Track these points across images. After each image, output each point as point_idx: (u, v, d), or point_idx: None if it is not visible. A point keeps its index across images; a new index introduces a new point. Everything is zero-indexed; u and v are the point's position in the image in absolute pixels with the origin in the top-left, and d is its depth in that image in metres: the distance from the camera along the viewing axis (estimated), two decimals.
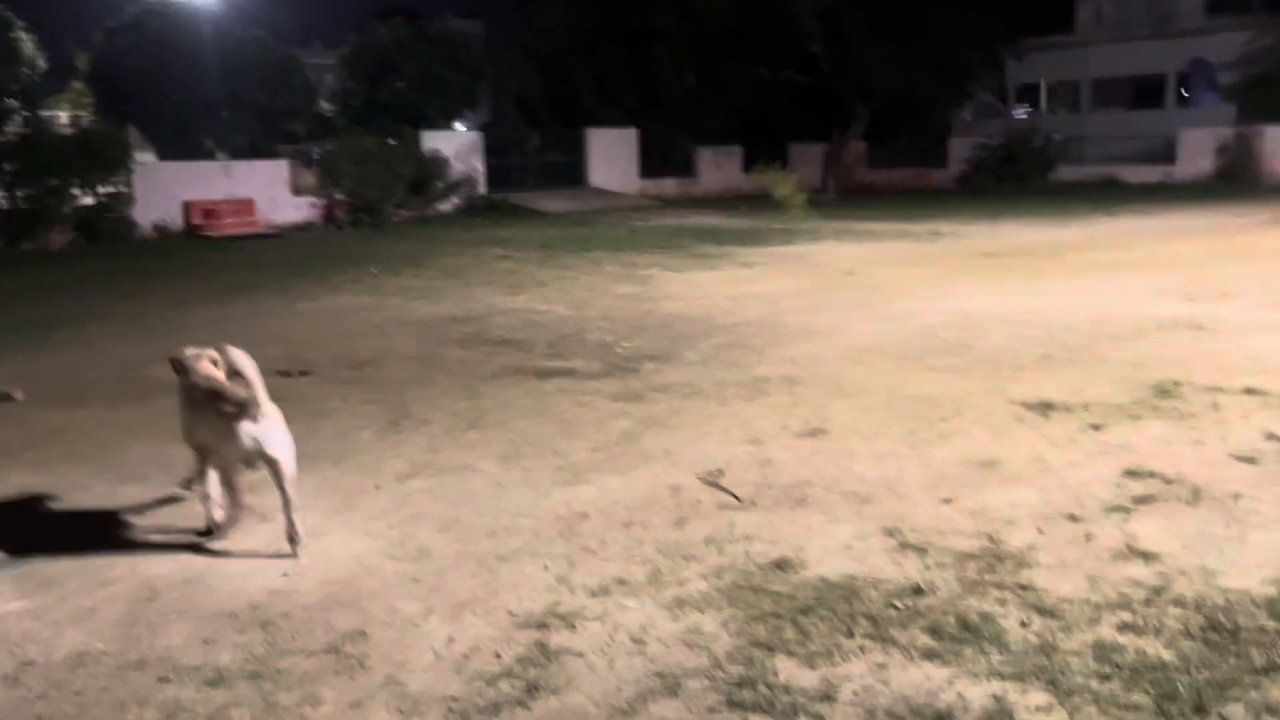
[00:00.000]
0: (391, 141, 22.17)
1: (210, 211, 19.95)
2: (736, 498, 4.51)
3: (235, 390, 4.18)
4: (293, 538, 3.96)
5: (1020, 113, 41.36)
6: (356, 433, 5.81)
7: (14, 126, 19.59)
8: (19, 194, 17.69)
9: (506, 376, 7.21)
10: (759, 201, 25.40)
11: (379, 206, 21.28)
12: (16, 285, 13.27)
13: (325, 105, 24.87)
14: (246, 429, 4.02)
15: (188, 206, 20.02)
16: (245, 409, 4.05)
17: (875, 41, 26.12)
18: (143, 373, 7.52)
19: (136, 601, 3.57)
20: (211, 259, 15.94)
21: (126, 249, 17.66)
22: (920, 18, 26.34)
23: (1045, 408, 5.85)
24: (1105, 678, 2.88)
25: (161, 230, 19.36)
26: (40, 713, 2.83)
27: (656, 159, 27.34)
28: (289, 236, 19.84)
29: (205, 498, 4.28)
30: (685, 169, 28.33)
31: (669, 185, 27.59)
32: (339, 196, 21.54)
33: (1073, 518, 4.15)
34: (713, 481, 4.73)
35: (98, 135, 19.44)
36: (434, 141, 23.04)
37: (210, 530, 4.20)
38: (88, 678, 3.03)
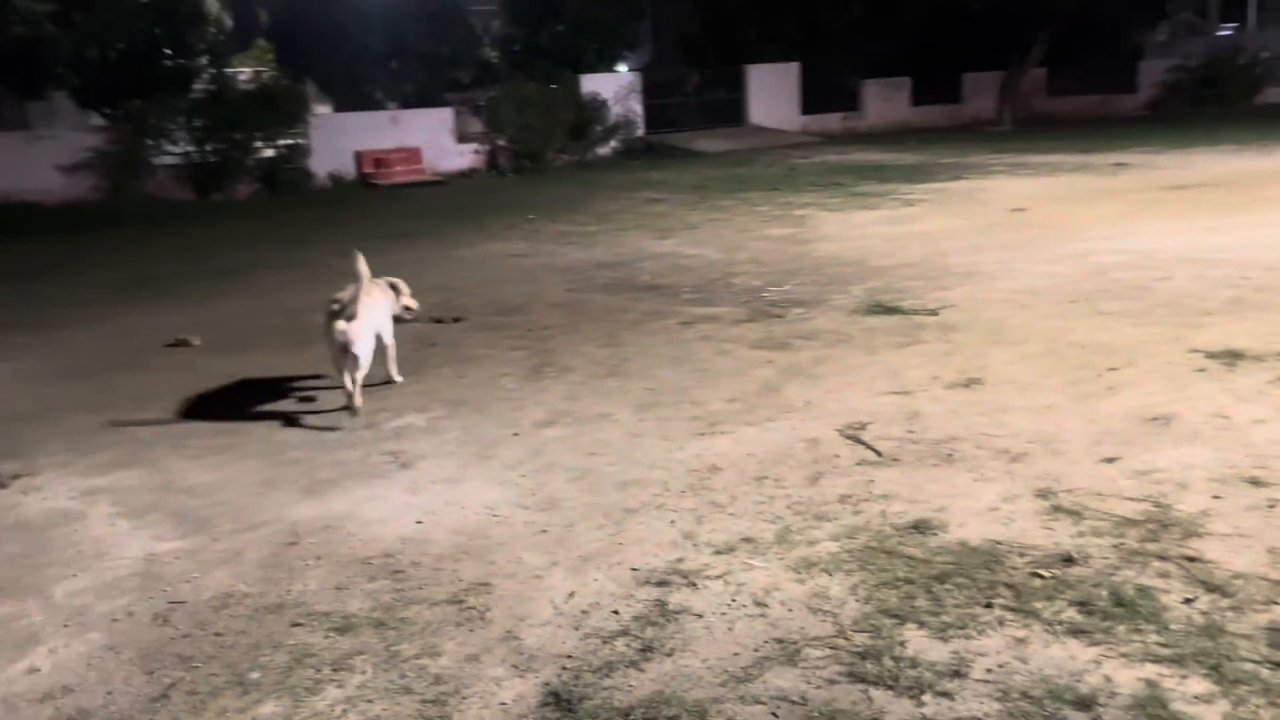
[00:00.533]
0: (552, 87, 22.30)
1: (380, 160, 20.66)
2: (877, 452, 4.30)
3: (341, 295, 5.36)
4: (350, 408, 5.16)
5: (1225, 30, 37.77)
6: (500, 380, 5.88)
7: (202, 84, 20.77)
8: (208, 148, 18.78)
9: (650, 323, 7.15)
10: (929, 135, 24.34)
11: (540, 152, 21.53)
12: (204, 234, 14.15)
13: (488, 51, 25.13)
14: (339, 325, 5.08)
15: (359, 156, 20.79)
16: (343, 309, 5.18)
17: None
18: (305, 319, 7.86)
19: (280, 546, 3.72)
20: (379, 207, 16.54)
21: (304, 198, 18.55)
22: None
23: (1232, 357, 5.32)
24: (1279, 666, 2.58)
25: (336, 179, 20.19)
26: (181, 651, 2.98)
27: (819, 94, 26.43)
28: (453, 183, 20.35)
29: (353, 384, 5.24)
30: (850, 103, 27.30)
31: (832, 121, 26.69)
32: (501, 143, 21.91)
33: (1255, 482, 3.75)
34: (853, 435, 4.53)
35: (277, 90, 20.38)
36: (593, 84, 23.02)
37: (349, 407, 5.22)
38: (229, 619, 3.17)
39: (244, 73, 21.83)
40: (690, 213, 13.16)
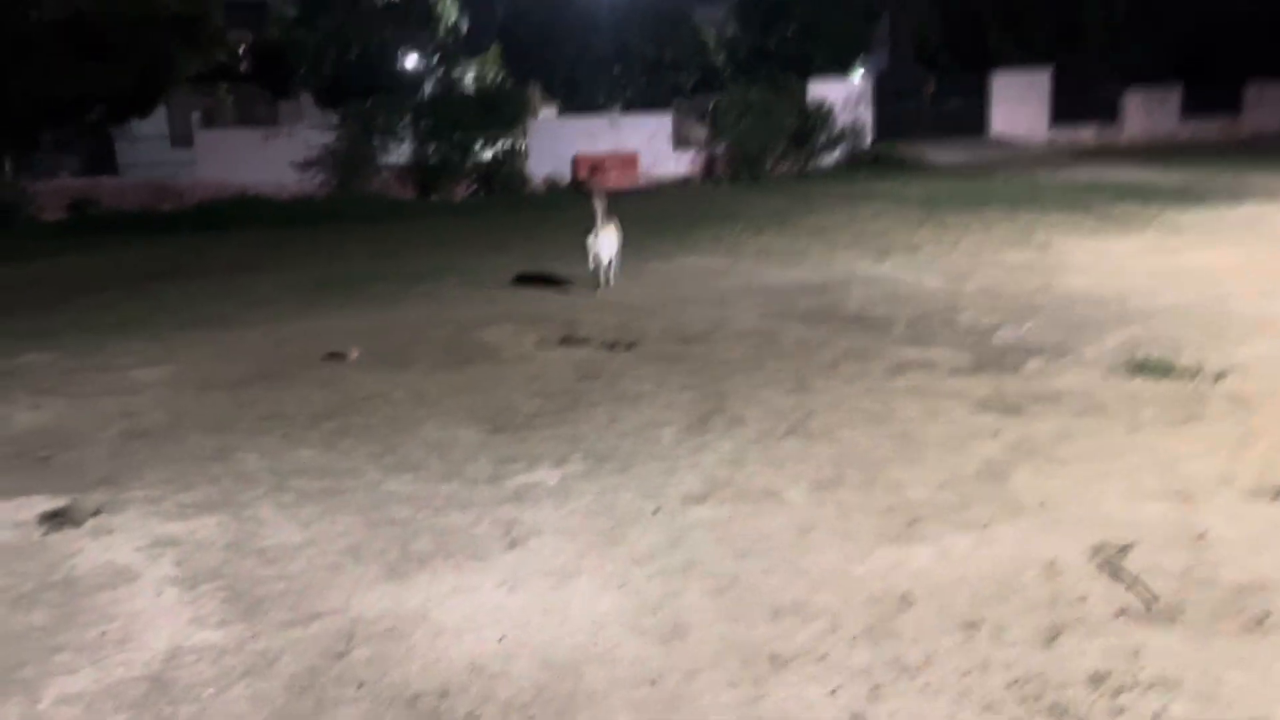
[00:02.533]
0: (775, 93, 21.22)
1: (595, 166, 20.26)
2: (1148, 599, 3.01)
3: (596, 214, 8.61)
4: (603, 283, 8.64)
5: None
6: (658, 429, 4.90)
7: (430, 86, 21.14)
8: (429, 149, 18.97)
9: (849, 364, 5.97)
10: (1201, 152, 21.46)
11: (759, 159, 20.51)
12: (411, 235, 14.03)
13: (715, 56, 24.32)
14: (591, 239, 8.63)
15: (575, 160, 20.49)
16: (593, 228, 8.57)
17: None
18: (472, 336, 7.20)
19: (326, 655, 2.89)
20: (586, 214, 15.97)
21: (518, 201, 18.37)
22: None
23: None
24: None
25: (551, 184, 19.95)
26: None
27: (1072, 103, 23.96)
28: (666, 191, 19.65)
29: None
30: (1107, 114, 24.59)
31: (1086, 134, 24.12)
32: (720, 150, 21.06)
33: None
34: (1111, 565, 3.24)
35: (499, 93, 20.41)
36: (821, 90, 21.74)
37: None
38: None
39: (467, 76, 22.03)
40: (915, 231, 11.74)
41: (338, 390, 5.89)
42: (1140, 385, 5.27)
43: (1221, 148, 22.52)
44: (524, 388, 5.76)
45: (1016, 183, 17.06)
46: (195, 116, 22.92)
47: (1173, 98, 24.91)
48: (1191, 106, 25.05)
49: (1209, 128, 24.76)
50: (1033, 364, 5.81)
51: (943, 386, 5.43)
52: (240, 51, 27.67)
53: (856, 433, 4.70)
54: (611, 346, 6.78)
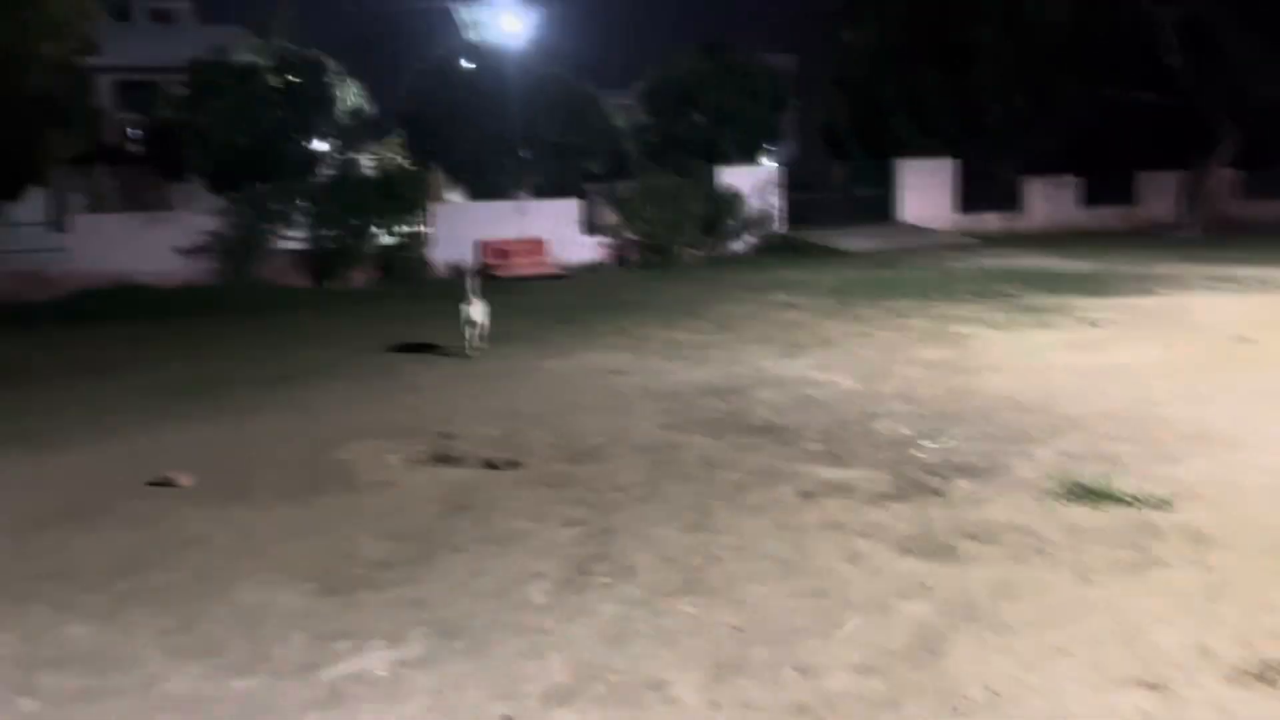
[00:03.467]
0: (684, 179, 20.91)
1: (502, 251, 19.54)
2: None
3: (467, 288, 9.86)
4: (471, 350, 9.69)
5: None
6: (527, 585, 4.05)
7: (326, 169, 20.27)
8: (325, 233, 18.03)
9: (757, 489, 5.22)
10: (1101, 239, 21.74)
11: (668, 246, 20.06)
12: (293, 327, 13.04)
13: (625, 142, 24.04)
14: (463, 307, 9.82)
15: (482, 246, 19.75)
16: (465, 299, 9.77)
17: (1251, 47, 21.53)
18: (331, 455, 6.28)
19: None
20: (491, 300, 15.17)
21: (419, 289, 17.49)
22: None
23: None
24: None
25: (455, 270, 19.13)
26: None
27: (976, 191, 24.18)
28: (576, 277, 19.02)
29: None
30: (1010, 202, 24.87)
31: (991, 220, 24.29)
32: (631, 236, 20.57)
33: None
34: None
35: (398, 176, 19.64)
36: (730, 177, 21.50)
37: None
38: None
39: (363, 159, 21.24)
40: (826, 323, 11.20)
41: (150, 531, 4.90)
42: (1082, 515, 4.61)
43: (1120, 235, 22.88)
44: (375, 525, 4.87)
45: (927, 270, 16.82)
46: (78, 200, 21.64)
47: (1072, 186, 25.37)
48: (1090, 195, 25.55)
49: (1108, 215, 25.21)
50: (961, 486, 5.14)
51: (862, 518, 4.70)
52: (130, 133, 26.56)
53: (764, 588, 3.92)
54: (490, 465, 5.94)
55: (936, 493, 5.07)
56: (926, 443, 5.99)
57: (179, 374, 9.54)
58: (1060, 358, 8.65)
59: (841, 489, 5.19)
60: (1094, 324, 10.38)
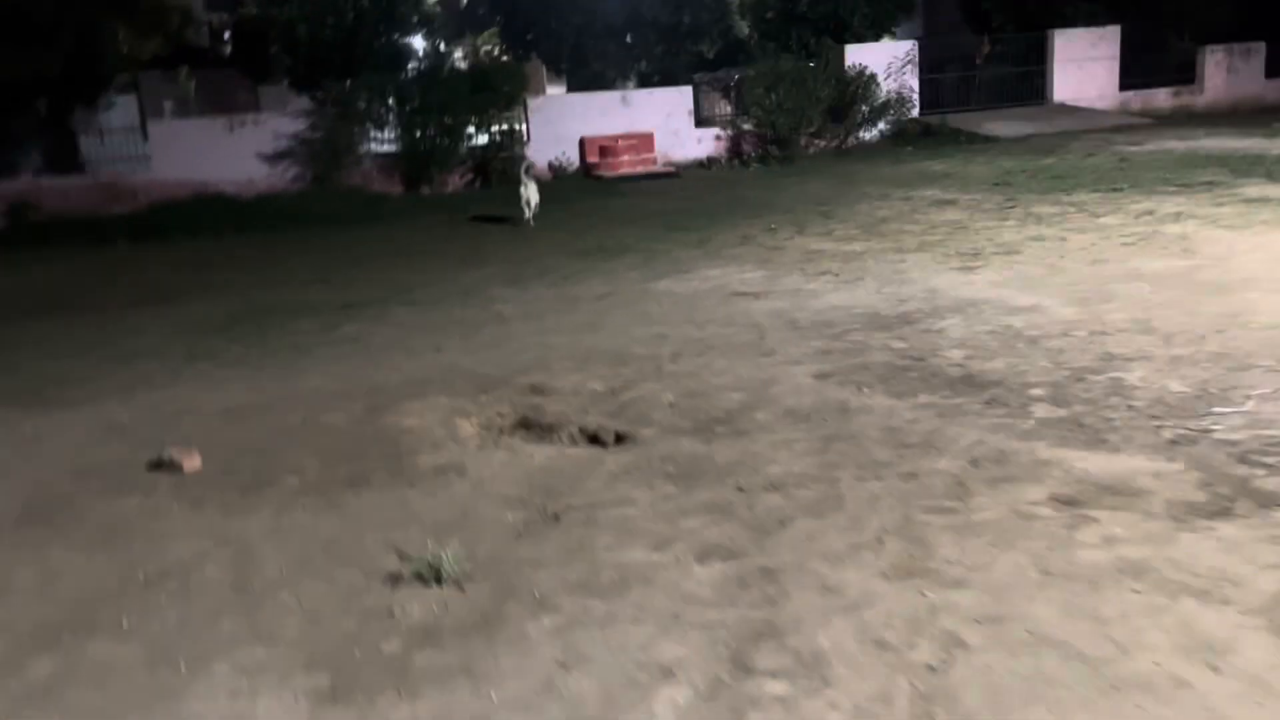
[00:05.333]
0: (810, 62, 18.55)
1: (605, 149, 17.71)
2: None
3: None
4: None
5: None
6: (647, 698, 2.43)
7: (415, 64, 18.59)
8: (417, 133, 16.48)
9: (985, 491, 3.47)
10: None
11: (790, 137, 17.89)
12: (380, 241, 11.62)
13: (739, 22, 21.61)
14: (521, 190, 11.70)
15: (583, 143, 17.97)
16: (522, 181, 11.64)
17: None
18: (387, 420, 4.77)
19: None
20: (591, 208, 13.49)
21: (512, 192, 15.88)
22: None
23: None
24: None
25: (556, 170, 17.46)
26: None
27: (1145, 64, 21.03)
28: (688, 175, 17.12)
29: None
30: (1184, 75, 21.62)
31: (1161, 97, 21.18)
32: (746, 127, 18.45)
33: None
34: None
35: (493, 69, 17.86)
36: (860, 56, 19.03)
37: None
38: None
39: (457, 52, 19.44)
40: (1001, 226, 9.14)
41: (118, 555, 3.48)
42: None
43: None
44: (422, 548, 3.31)
45: (1098, 157, 14.31)
46: (164, 106, 20.64)
47: (1256, 57, 21.88)
48: (1277, 66, 22.04)
49: None
50: None
51: (1178, 557, 2.92)
52: (223, 34, 25.38)
53: (1061, 691, 2.21)
54: (593, 439, 4.34)
55: (1276, 498, 3.23)
56: (1222, 408, 4.10)
57: (235, 303, 8.20)
58: None
59: (1119, 491, 3.40)
60: None
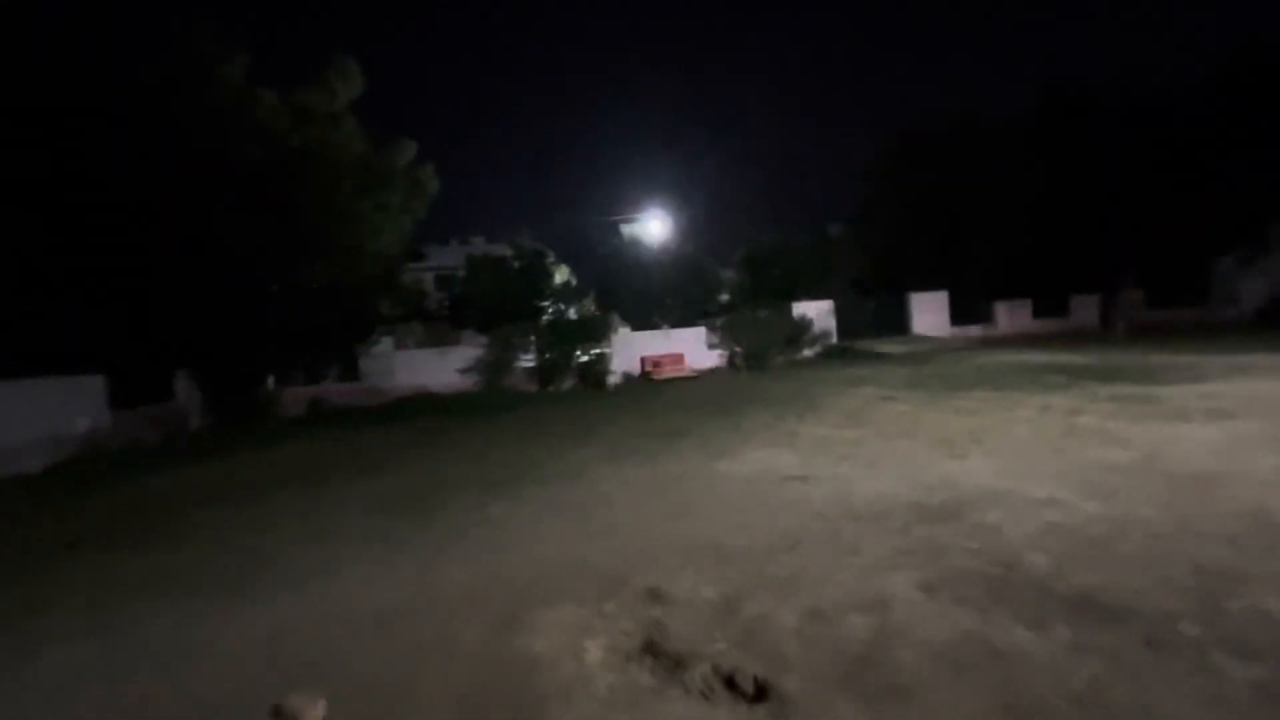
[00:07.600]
0: (764, 313, 17.07)
1: (656, 362, 16.02)
2: None
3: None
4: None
5: None
6: None
7: (547, 317, 17.34)
8: (547, 355, 14.94)
9: None
10: (1056, 340, 16.56)
11: (764, 354, 16.13)
12: (522, 423, 9.67)
13: (724, 295, 20.38)
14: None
15: (643, 360, 16.30)
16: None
17: (1159, 193, 16.37)
18: (515, 640, 2.63)
19: None
20: (651, 397, 11.57)
21: (603, 390, 14.08)
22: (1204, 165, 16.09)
23: None
24: None
25: (627, 376, 15.71)
26: None
27: (963, 311, 19.40)
28: (705, 377, 15.26)
29: None
30: (985, 318, 19.89)
31: (973, 330, 19.40)
32: (737, 349, 16.76)
33: None
34: None
35: (590, 319, 16.53)
36: (801, 309, 17.54)
37: None
38: None
39: (569, 310, 18.33)
40: (943, 417, 7.02)
41: None
42: None
43: (1064, 336, 17.59)
44: None
45: (960, 365, 12.23)
46: (410, 341, 19.40)
47: (1026, 306, 20.21)
48: (1036, 311, 20.34)
49: (1051, 325, 19.93)
50: None
51: None
52: (444, 302, 24.63)
53: None
54: (730, 684, 2.15)
55: None
56: None
57: (421, 477, 6.17)
58: (1265, 457, 4.29)
59: None
60: (1185, 414, 5.88)
